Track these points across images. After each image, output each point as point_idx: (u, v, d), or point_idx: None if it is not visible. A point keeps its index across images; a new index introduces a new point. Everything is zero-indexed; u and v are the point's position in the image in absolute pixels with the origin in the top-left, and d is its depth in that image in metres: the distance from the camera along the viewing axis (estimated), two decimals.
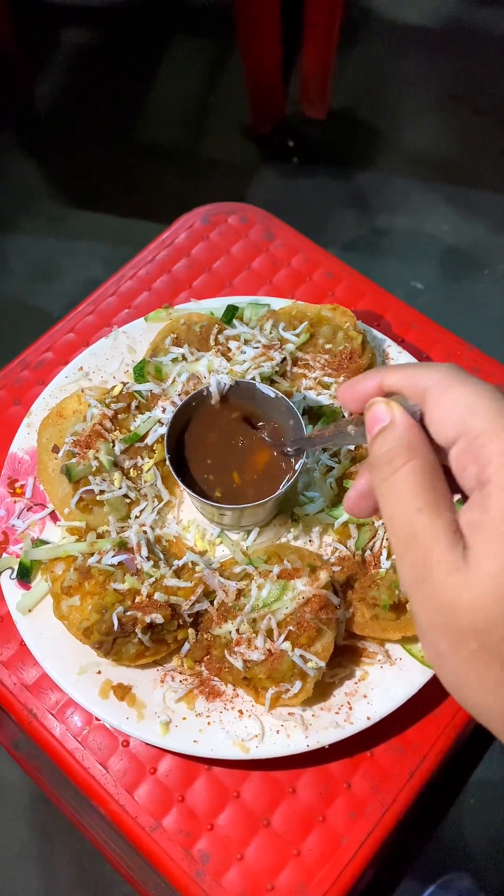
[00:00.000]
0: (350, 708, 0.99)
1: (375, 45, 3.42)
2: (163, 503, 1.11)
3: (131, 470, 1.10)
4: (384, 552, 1.01)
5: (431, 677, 1.00)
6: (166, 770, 1.01)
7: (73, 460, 1.08)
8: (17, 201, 3.00)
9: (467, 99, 3.25)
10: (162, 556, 1.05)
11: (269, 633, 0.96)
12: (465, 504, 0.55)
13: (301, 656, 0.94)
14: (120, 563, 1.00)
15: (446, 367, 0.59)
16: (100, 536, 1.05)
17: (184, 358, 1.17)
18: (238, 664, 0.95)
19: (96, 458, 1.07)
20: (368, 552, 1.03)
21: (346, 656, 1.02)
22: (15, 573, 1.08)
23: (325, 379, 1.15)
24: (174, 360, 1.17)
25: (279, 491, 0.99)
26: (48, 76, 3.34)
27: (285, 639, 0.95)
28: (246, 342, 1.17)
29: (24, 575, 1.07)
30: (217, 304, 1.26)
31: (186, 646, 1.02)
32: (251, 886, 0.95)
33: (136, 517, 1.09)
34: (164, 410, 1.12)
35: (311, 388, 1.15)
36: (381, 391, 0.63)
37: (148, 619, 0.96)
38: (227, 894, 0.95)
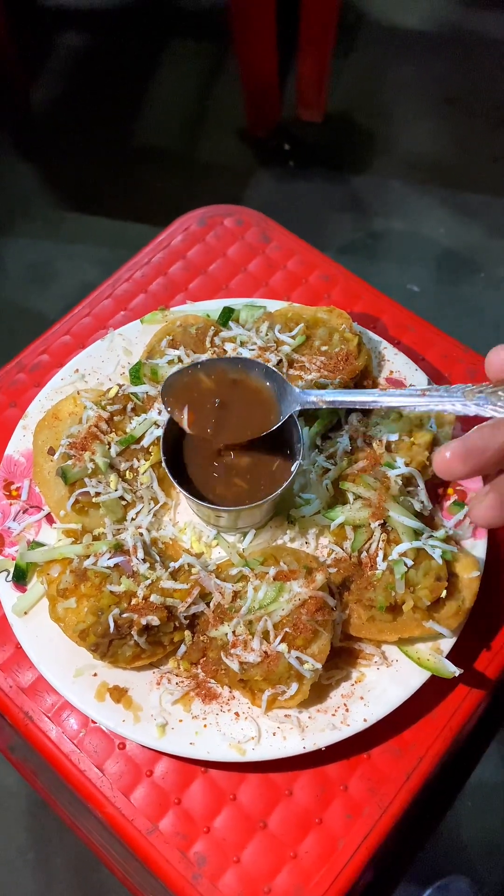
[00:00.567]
0: (346, 710, 0.98)
1: (371, 50, 3.43)
2: (159, 505, 1.11)
3: (127, 472, 1.10)
4: (380, 554, 1.01)
5: (428, 679, 1.00)
6: (163, 773, 1.01)
7: (69, 462, 1.08)
8: (13, 204, 3.01)
9: (462, 103, 3.27)
10: (158, 558, 1.04)
11: (265, 635, 0.96)
12: None
13: (297, 658, 0.94)
14: (116, 566, 1.00)
15: None
16: (96, 539, 1.05)
17: (180, 360, 1.16)
18: (234, 666, 0.95)
19: (92, 460, 1.07)
20: (364, 554, 1.03)
21: (342, 658, 1.02)
22: (11, 575, 1.08)
23: (322, 381, 1.15)
24: (170, 363, 1.17)
25: (276, 493, 0.99)
26: (45, 79, 3.34)
27: (281, 641, 0.95)
28: (242, 344, 1.17)
29: (20, 577, 1.07)
30: (213, 307, 1.26)
31: (182, 648, 1.01)
32: (248, 889, 0.95)
33: (133, 519, 1.08)
34: (160, 412, 1.12)
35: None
36: None
37: (144, 622, 0.96)
38: None
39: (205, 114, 3.26)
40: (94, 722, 1.03)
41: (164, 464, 1.01)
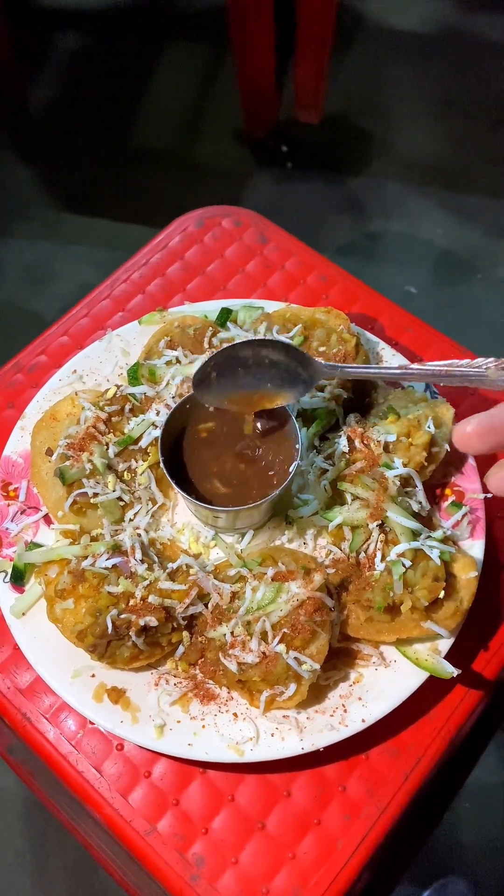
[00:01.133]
0: (345, 710, 0.98)
1: (369, 51, 3.44)
2: (157, 506, 1.11)
3: (125, 473, 1.10)
4: (378, 554, 1.01)
5: (426, 679, 1.00)
6: (161, 774, 1.01)
7: (67, 463, 1.08)
8: (10, 205, 3.01)
9: (460, 104, 3.27)
10: (156, 558, 1.04)
11: (263, 636, 0.96)
12: None
13: (295, 659, 0.94)
14: (114, 566, 1.00)
15: None
16: (94, 539, 1.05)
17: (178, 361, 1.17)
18: (232, 667, 0.95)
19: (90, 460, 1.07)
20: (363, 554, 1.03)
21: (340, 658, 1.02)
22: (8, 576, 1.08)
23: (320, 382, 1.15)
24: (168, 363, 1.17)
25: (274, 493, 0.99)
26: (42, 80, 3.34)
27: (280, 641, 0.95)
28: None
29: (18, 578, 1.07)
30: (211, 307, 1.26)
31: (181, 649, 1.01)
32: (246, 890, 0.95)
33: (130, 520, 1.08)
34: (158, 413, 1.12)
35: None
36: None
37: (142, 622, 0.96)
38: None
39: (203, 115, 3.26)
40: (92, 723, 1.03)
41: (162, 464, 1.01)
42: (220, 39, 3.27)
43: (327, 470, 1.11)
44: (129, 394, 1.15)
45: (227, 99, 3.21)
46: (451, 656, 1.00)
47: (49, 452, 1.11)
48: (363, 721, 0.97)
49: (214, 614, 1.00)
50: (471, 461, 1.14)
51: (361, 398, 1.18)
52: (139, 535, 1.05)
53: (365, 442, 1.10)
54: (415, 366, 0.91)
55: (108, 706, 0.99)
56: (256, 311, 1.24)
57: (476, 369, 0.72)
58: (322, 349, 1.18)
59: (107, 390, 1.15)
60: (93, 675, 1.01)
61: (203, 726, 0.98)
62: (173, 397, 1.12)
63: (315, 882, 0.95)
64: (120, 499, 1.08)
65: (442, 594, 0.99)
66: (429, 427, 1.08)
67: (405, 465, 1.06)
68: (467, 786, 1.94)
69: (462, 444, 0.67)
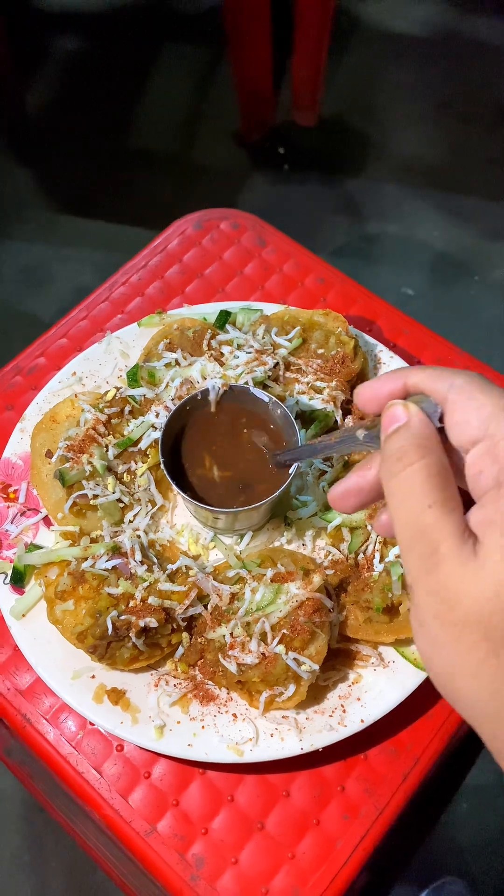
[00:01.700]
0: (344, 711, 0.99)
1: (365, 54, 3.45)
2: (156, 507, 1.11)
3: (125, 474, 1.10)
4: (377, 556, 1.02)
5: (424, 680, 1.00)
6: (160, 774, 1.01)
7: (67, 465, 1.08)
8: (8, 208, 3.01)
9: (457, 107, 3.28)
10: (156, 560, 1.05)
11: (262, 637, 0.96)
12: (477, 504, 0.56)
13: (295, 659, 0.94)
14: (114, 568, 1.01)
15: (472, 373, 0.61)
16: (93, 541, 1.05)
17: (177, 363, 1.17)
18: (232, 668, 0.95)
19: (90, 462, 1.07)
20: (361, 555, 1.04)
21: (339, 659, 1.03)
22: (8, 578, 1.08)
23: (318, 383, 1.16)
24: (167, 365, 1.17)
25: (273, 495, 1.00)
26: (39, 83, 3.35)
27: (279, 642, 0.95)
28: (239, 347, 1.18)
29: (18, 580, 1.07)
30: (210, 310, 1.26)
31: (180, 650, 1.02)
32: (246, 890, 0.95)
33: (130, 522, 1.09)
34: (157, 415, 1.12)
35: (303, 393, 1.16)
36: (401, 393, 0.64)
37: (142, 623, 0.96)
38: None
39: (200, 118, 3.27)
40: (92, 724, 1.03)
41: (162, 466, 1.02)
42: (217, 42, 3.28)
43: (326, 471, 1.12)
44: (129, 396, 1.15)
45: (224, 101, 3.21)
46: None
47: (49, 454, 1.11)
48: (362, 721, 0.98)
49: (214, 615, 1.00)
50: None
51: None
52: (139, 537, 1.05)
53: None
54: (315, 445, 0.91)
55: (108, 707, 0.99)
56: (255, 313, 1.25)
57: (347, 436, 0.74)
58: (321, 351, 1.19)
59: (106, 392, 1.16)
60: (93, 677, 1.01)
61: (203, 727, 0.99)
62: (173, 399, 1.13)
63: (314, 882, 0.95)
64: (119, 500, 1.08)
65: None
66: None
67: None
68: (465, 786, 1.95)
69: (335, 505, 0.71)
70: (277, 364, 1.16)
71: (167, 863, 0.96)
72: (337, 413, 1.15)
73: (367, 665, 1.02)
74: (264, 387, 1.14)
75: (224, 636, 0.98)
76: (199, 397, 1.06)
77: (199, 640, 1.01)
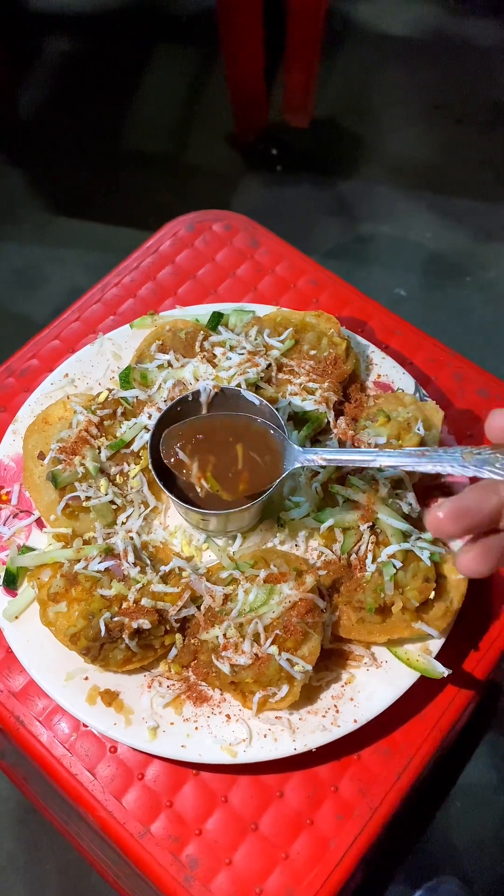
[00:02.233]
0: (337, 711, 0.99)
1: (358, 55, 3.45)
2: (149, 509, 1.12)
3: (117, 476, 1.10)
4: (369, 556, 1.02)
5: (417, 679, 1.01)
6: (154, 776, 1.01)
7: (59, 467, 1.08)
8: (1, 209, 3.00)
9: (449, 108, 3.29)
10: (149, 561, 1.05)
11: (255, 638, 0.96)
12: None
13: (288, 660, 0.95)
14: (106, 570, 1.01)
15: None
16: (86, 543, 1.05)
17: (169, 364, 1.17)
18: (225, 669, 0.96)
19: (82, 464, 1.07)
20: (354, 556, 1.04)
21: (332, 660, 1.03)
22: (1, 580, 1.08)
23: (310, 384, 1.16)
24: (160, 367, 1.17)
25: (262, 496, 1.00)
26: (33, 84, 3.34)
27: (272, 643, 0.95)
28: (231, 348, 1.18)
29: (11, 582, 1.07)
30: (202, 311, 1.26)
31: (174, 651, 1.02)
32: (240, 891, 0.95)
33: (123, 523, 1.09)
34: (149, 416, 1.12)
35: (296, 394, 1.16)
36: None
37: (135, 625, 0.96)
38: None
39: (193, 119, 3.27)
40: (85, 726, 1.03)
41: (151, 469, 1.02)
42: (209, 43, 3.28)
43: (318, 472, 1.12)
44: (121, 397, 1.15)
45: (217, 102, 3.21)
46: (441, 656, 1.01)
47: (41, 456, 1.11)
48: (355, 721, 0.98)
49: (207, 617, 1.01)
50: None
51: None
52: (132, 539, 1.06)
53: (355, 444, 1.11)
54: (388, 452, 0.92)
55: (102, 709, 0.99)
56: (247, 314, 1.25)
57: (448, 456, 0.75)
58: (313, 352, 1.19)
59: (98, 394, 1.16)
60: (86, 678, 1.01)
61: (196, 728, 0.99)
62: (165, 401, 1.13)
63: (308, 882, 0.95)
64: (112, 502, 1.08)
65: (432, 595, 1.00)
66: (418, 429, 1.09)
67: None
68: (459, 785, 1.96)
69: (434, 529, 0.70)
70: (270, 365, 1.16)
71: (161, 864, 0.96)
72: (329, 414, 1.15)
73: (360, 665, 1.03)
74: (256, 388, 1.14)
75: (217, 637, 0.98)
76: (189, 398, 1.07)
77: (193, 641, 1.01)
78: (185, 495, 1.03)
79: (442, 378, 1.32)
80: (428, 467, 0.84)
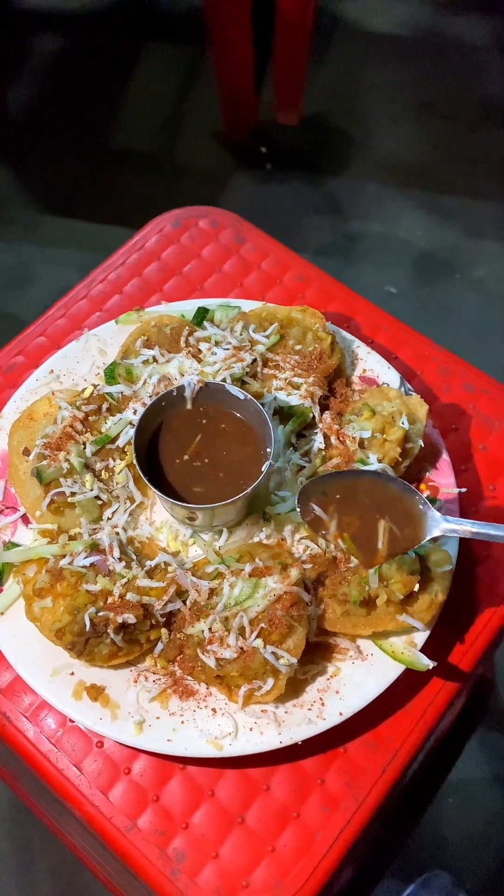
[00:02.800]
0: (322, 704, 0.99)
1: (347, 53, 3.46)
2: (135, 504, 1.11)
3: (103, 472, 1.10)
4: None
5: (402, 672, 1.01)
6: (141, 770, 1.01)
7: (44, 462, 1.08)
8: None
9: (438, 106, 3.30)
10: (134, 556, 1.05)
11: (241, 631, 0.96)
12: None
13: (273, 653, 0.95)
14: (92, 565, 1.01)
15: None
16: (72, 538, 1.05)
17: (154, 360, 1.17)
18: (211, 662, 0.96)
19: (67, 460, 1.07)
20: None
21: (317, 653, 1.03)
22: None
23: (295, 379, 1.16)
24: (145, 362, 1.17)
25: (248, 490, 1.00)
26: (21, 82, 3.34)
27: (257, 636, 0.96)
28: (216, 344, 1.18)
29: None
30: (188, 307, 1.27)
31: (159, 645, 1.02)
32: (226, 884, 0.95)
33: (109, 519, 1.09)
34: (135, 412, 1.12)
35: (281, 389, 1.16)
36: None
37: (120, 620, 0.96)
38: (203, 893, 0.95)
39: (182, 117, 3.26)
40: (71, 721, 1.03)
41: (136, 464, 1.02)
42: (198, 41, 3.28)
43: (304, 466, 1.12)
44: (107, 393, 1.15)
45: (207, 100, 3.21)
46: (426, 649, 1.02)
47: (26, 452, 1.11)
48: (340, 714, 0.98)
49: (193, 611, 1.01)
50: (445, 457, 1.16)
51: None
52: (117, 534, 1.06)
53: (340, 438, 1.11)
54: None
55: (88, 704, 0.99)
56: (233, 310, 1.25)
57: None
58: (298, 347, 1.19)
59: (84, 390, 1.16)
60: (72, 673, 1.01)
61: (182, 722, 0.99)
62: (150, 396, 1.13)
63: (295, 874, 0.96)
64: (98, 498, 1.08)
65: (417, 588, 1.00)
66: (403, 423, 1.10)
67: (380, 461, 1.07)
68: (450, 781, 1.96)
69: None
70: (255, 360, 1.16)
71: (148, 858, 0.96)
72: (314, 409, 1.15)
73: (346, 658, 1.03)
74: (242, 383, 1.14)
75: (203, 631, 0.98)
76: (174, 394, 1.07)
77: (178, 635, 1.02)
78: (171, 491, 1.03)
79: (427, 373, 1.32)
80: None
